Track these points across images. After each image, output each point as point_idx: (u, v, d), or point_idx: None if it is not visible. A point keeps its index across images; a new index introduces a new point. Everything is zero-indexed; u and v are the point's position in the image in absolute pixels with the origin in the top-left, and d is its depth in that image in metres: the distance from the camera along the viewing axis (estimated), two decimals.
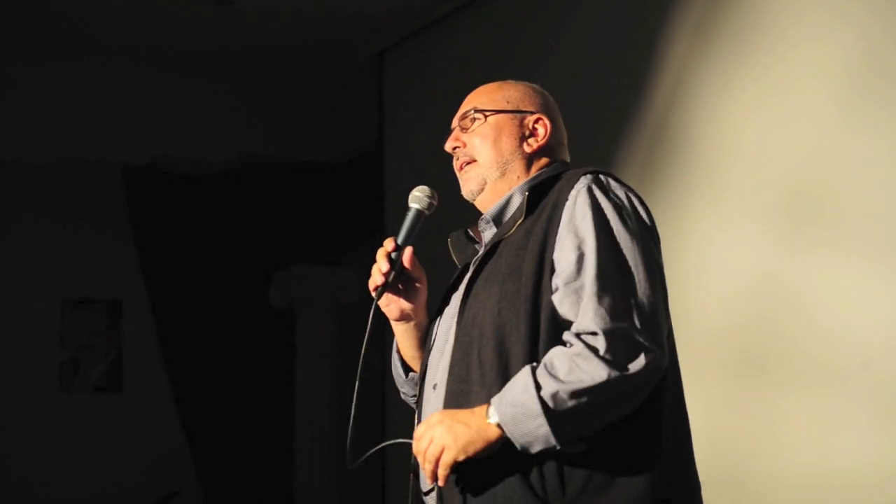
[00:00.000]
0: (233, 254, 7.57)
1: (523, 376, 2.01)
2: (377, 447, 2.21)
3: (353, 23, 5.96)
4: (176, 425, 7.50)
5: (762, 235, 3.62)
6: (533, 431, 1.98)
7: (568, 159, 2.43)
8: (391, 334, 2.50)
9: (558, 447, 1.99)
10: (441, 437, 2.04)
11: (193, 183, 7.61)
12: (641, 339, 2.02)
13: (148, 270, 7.58)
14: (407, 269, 2.37)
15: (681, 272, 3.53)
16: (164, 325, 7.57)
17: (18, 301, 7.37)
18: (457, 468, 2.06)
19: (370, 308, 2.34)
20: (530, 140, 2.36)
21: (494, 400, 2.03)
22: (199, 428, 7.50)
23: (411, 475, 2.29)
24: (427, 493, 2.23)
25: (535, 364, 2.03)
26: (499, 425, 2.01)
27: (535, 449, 2.00)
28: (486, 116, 2.37)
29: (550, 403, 1.97)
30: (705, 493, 2.25)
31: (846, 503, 3.26)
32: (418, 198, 2.39)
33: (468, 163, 2.38)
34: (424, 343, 2.42)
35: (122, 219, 7.56)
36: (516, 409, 1.99)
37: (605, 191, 2.17)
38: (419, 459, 2.09)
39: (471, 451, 2.03)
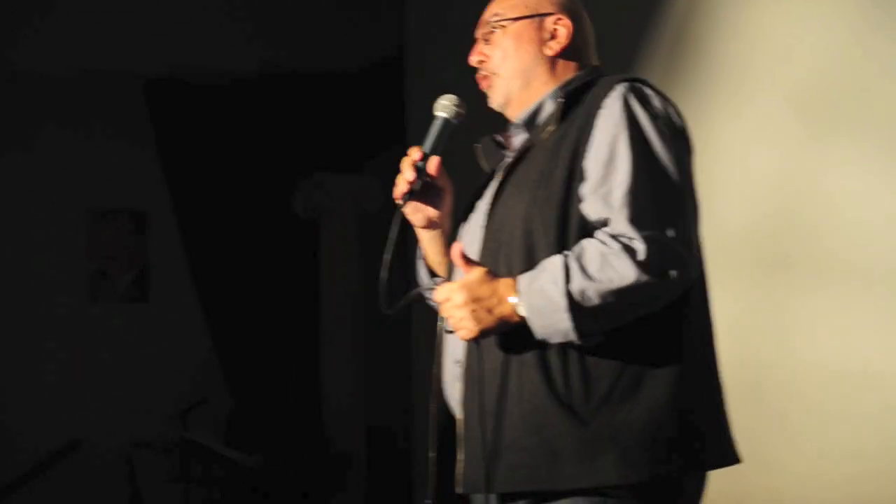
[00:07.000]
0: (256, 163, 7.55)
1: (553, 266, 2.02)
2: (411, 294, 2.22)
3: None
4: (203, 334, 7.56)
5: (786, 135, 3.59)
6: (555, 325, 2.00)
7: (597, 60, 2.39)
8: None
9: (578, 342, 2.01)
10: (462, 320, 2.06)
11: (215, 93, 7.57)
12: (677, 248, 2.02)
13: (172, 180, 7.59)
14: (433, 177, 2.35)
15: (704, 173, 3.51)
16: (189, 235, 7.59)
17: (43, 213, 7.40)
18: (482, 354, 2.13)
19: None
20: (551, 43, 2.33)
21: (522, 286, 2.04)
22: (226, 336, 7.55)
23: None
24: (450, 332, 2.24)
25: (567, 253, 2.03)
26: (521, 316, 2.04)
27: (555, 340, 2.03)
28: (504, 26, 2.33)
29: (577, 300, 1.98)
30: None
31: (865, 404, 3.27)
32: (445, 106, 2.35)
33: (491, 76, 2.36)
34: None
35: (145, 130, 7.55)
36: (543, 302, 2.00)
37: (642, 99, 2.15)
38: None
39: (489, 333, 2.08)
